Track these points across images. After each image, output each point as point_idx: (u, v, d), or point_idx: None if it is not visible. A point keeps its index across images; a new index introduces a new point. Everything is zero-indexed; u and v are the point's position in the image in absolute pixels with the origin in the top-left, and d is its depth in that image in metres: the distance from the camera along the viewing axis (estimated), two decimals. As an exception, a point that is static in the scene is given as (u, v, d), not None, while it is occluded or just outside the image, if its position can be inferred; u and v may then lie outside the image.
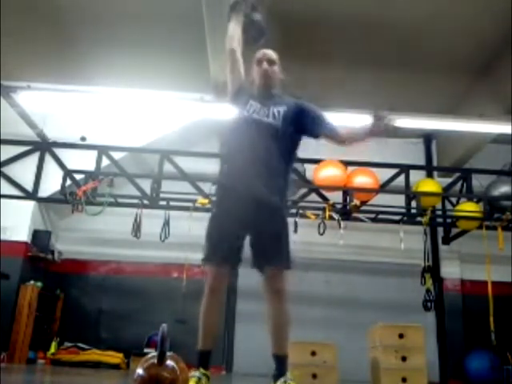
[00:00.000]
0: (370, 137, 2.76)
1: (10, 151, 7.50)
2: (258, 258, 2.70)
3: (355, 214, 7.29)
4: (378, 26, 6.38)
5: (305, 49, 6.87)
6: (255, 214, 2.66)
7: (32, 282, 7.14)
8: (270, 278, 2.67)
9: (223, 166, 2.94)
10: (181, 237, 6.94)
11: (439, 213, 7.71)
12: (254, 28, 3.19)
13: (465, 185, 7.64)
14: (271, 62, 2.95)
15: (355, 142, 2.84)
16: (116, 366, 6.98)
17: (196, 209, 7.03)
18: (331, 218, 7.03)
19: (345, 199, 7.27)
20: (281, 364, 2.64)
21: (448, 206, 7.73)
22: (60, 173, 7.39)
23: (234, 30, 3.07)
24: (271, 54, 2.99)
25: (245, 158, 2.75)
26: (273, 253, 2.67)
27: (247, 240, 2.77)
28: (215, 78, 6.42)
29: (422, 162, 8.84)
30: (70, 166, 7.47)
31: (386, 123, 2.64)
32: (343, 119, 6.64)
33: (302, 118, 2.88)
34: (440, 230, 8.36)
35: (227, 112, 6.48)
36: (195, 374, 2.54)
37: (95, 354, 7.13)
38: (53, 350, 7.17)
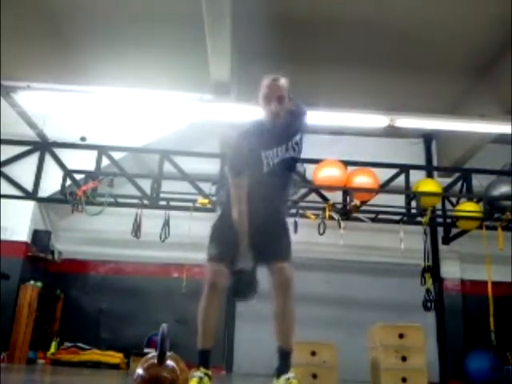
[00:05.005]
0: None
1: (9, 151, 7.50)
2: (265, 254, 2.69)
3: (355, 214, 7.29)
4: (378, 26, 6.39)
5: (305, 49, 6.87)
6: (262, 215, 2.68)
7: (32, 281, 7.13)
8: (279, 270, 2.67)
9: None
10: (181, 237, 6.95)
11: (439, 213, 7.70)
12: (245, 286, 2.69)
13: (465, 185, 7.64)
14: (281, 99, 2.69)
15: None
16: (116, 366, 6.98)
17: (196, 209, 7.04)
18: (331, 218, 7.03)
19: (345, 199, 7.27)
20: (284, 359, 2.65)
21: (448, 206, 7.73)
22: (60, 173, 7.39)
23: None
24: (280, 87, 2.71)
25: (258, 191, 2.71)
26: (279, 247, 2.74)
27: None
28: (215, 78, 6.42)
29: (422, 162, 8.84)
30: (70, 165, 7.46)
31: None
32: (344, 119, 6.65)
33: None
34: (440, 230, 8.35)
35: (227, 112, 6.52)
36: (196, 373, 2.54)
37: (95, 354, 7.13)
38: (53, 349, 7.17)
